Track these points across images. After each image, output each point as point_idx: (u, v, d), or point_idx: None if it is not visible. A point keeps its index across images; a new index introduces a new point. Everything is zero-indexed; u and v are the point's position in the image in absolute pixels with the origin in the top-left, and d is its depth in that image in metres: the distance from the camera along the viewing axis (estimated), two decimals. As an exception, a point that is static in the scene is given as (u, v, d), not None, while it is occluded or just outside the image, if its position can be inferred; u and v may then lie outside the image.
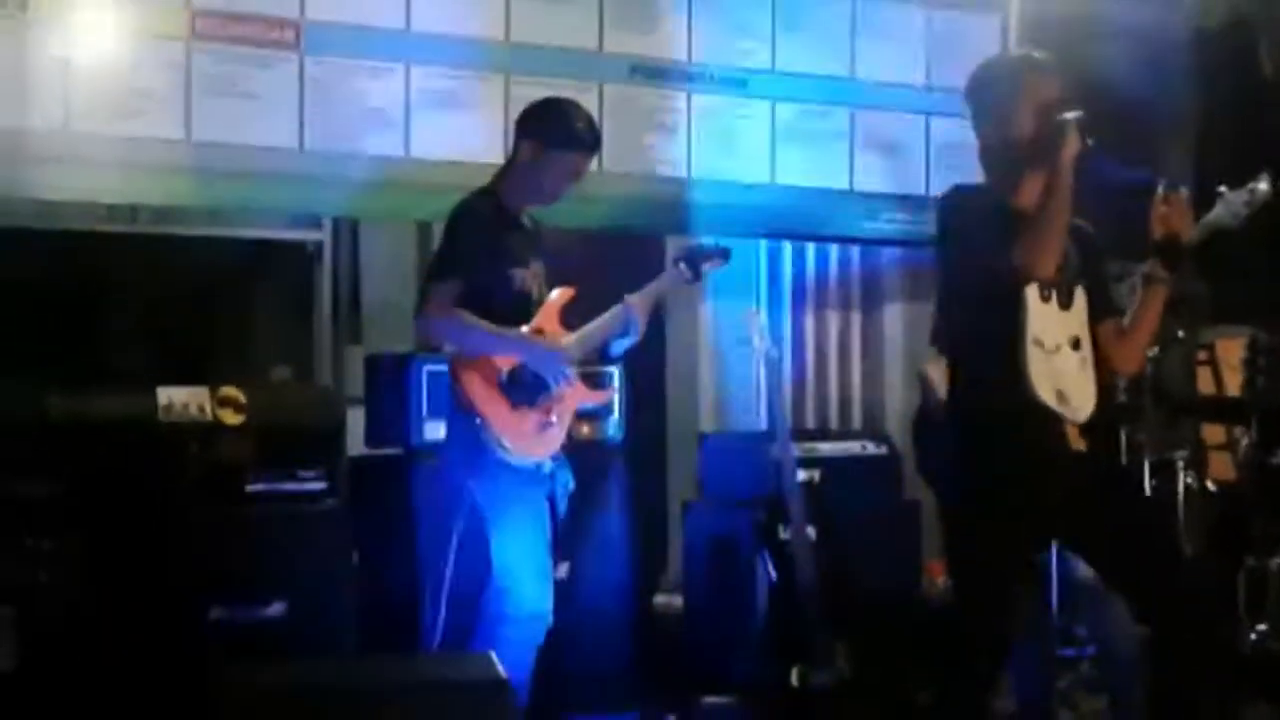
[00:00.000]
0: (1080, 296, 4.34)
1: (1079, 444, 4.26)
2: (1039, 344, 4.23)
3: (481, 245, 4.86)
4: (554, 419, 4.93)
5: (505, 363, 4.89)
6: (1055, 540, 4.76)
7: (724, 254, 5.32)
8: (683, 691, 5.91)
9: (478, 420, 4.82)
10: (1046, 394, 4.22)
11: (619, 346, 5.19)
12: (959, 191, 4.47)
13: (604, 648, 5.76)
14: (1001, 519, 4.23)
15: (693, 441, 6.63)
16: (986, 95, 4.40)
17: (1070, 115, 4.23)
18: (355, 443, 5.82)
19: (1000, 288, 4.23)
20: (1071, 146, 4.20)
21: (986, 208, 4.31)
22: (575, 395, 5.02)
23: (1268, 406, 6.15)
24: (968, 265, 4.31)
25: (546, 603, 4.85)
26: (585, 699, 5.65)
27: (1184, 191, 4.39)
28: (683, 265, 5.23)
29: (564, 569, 5.39)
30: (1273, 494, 6.06)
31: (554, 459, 4.94)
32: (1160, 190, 4.37)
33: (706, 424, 6.88)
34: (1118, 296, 4.56)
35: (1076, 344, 4.31)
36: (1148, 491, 5.71)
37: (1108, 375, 4.45)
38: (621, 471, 5.95)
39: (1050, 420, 4.23)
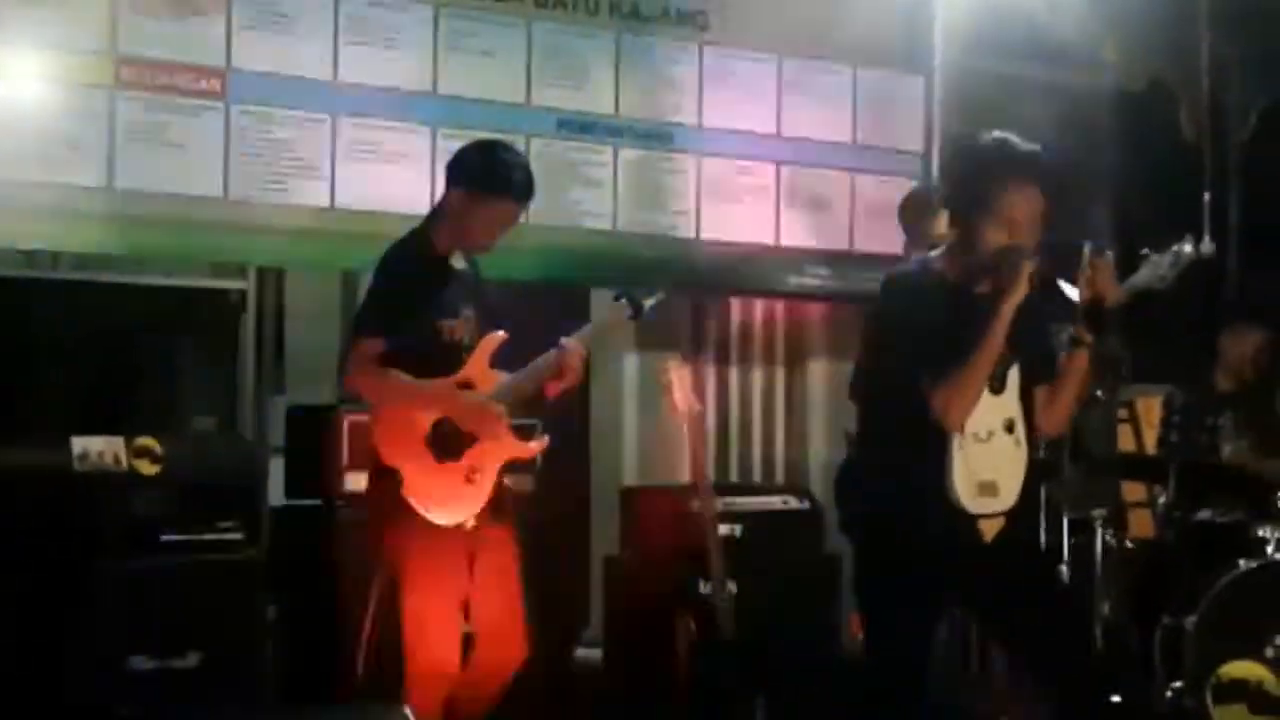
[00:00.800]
0: (1013, 375, 4.31)
1: (992, 533, 4.27)
2: (973, 435, 4.22)
3: (407, 298, 4.73)
4: (479, 475, 4.78)
5: (429, 417, 4.74)
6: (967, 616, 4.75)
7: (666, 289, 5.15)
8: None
9: (397, 477, 4.69)
10: (967, 493, 4.21)
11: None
12: (908, 279, 4.40)
13: (522, 701, 5.72)
14: (911, 591, 4.24)
15: (615, 495, 6.61)
16: (960, 185, 4.35)
17: (1028, 262, 4.18)
18: (279, 493, 5.79)
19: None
20: (1018, 294, 4.17)
21: (935, 305, 4.24)
22: (503, 448, 4.87)
23: (1184, 464, 6.20)
24: (904, 366, 4.24)
25: (452, 660, 4.71)
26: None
27: (1109, 255, 4.41)
28: (624, 301, 5.03)
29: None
30: (1190, 551, 6.09)
31: (479, 517, 4.80)
32: (1086, 253, 4.36)
33: (629, 477, 6.87)
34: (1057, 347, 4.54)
35: (1010, 426, 4.30)
36: (1064, 554, 5.75)
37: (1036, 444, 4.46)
38: (542, 524, 5.92)
39: (963, 519, 4.23)
